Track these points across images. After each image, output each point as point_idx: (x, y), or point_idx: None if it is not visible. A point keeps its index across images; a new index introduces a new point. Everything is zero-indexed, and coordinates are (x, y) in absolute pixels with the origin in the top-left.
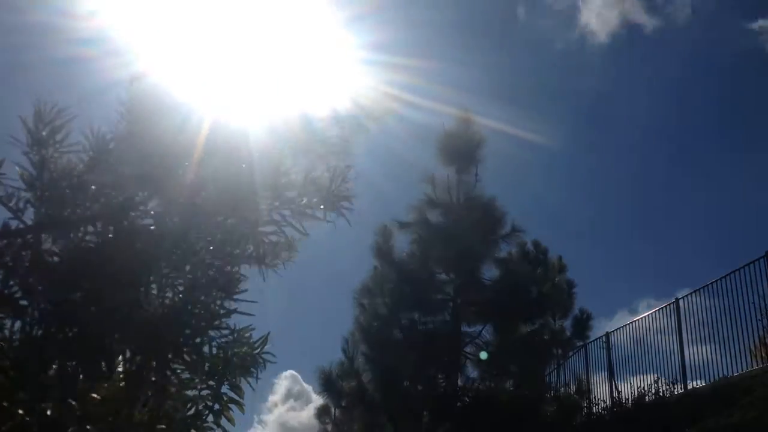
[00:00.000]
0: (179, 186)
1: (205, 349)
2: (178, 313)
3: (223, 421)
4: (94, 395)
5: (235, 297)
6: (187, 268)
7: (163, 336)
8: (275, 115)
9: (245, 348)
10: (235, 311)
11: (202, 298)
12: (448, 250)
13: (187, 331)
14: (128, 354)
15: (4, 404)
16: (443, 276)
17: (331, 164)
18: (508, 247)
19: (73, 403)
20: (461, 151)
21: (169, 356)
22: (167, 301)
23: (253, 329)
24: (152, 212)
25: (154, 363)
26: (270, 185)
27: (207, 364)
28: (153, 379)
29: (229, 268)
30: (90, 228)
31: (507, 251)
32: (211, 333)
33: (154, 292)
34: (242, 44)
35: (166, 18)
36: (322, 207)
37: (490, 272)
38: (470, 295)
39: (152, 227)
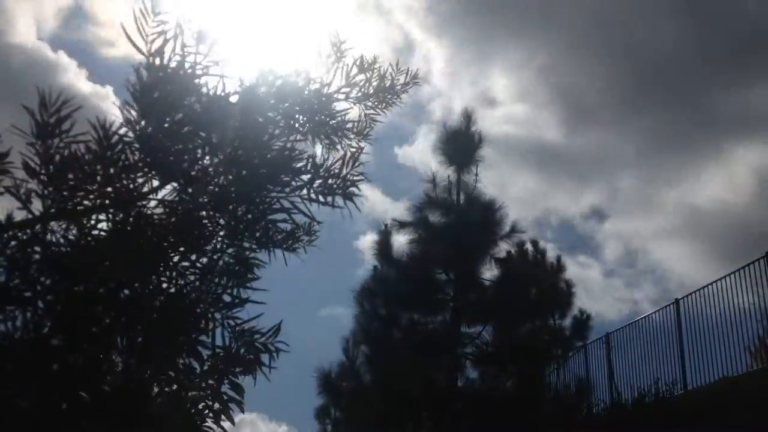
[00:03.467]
0: (191, 173)
1: (218, 340)
2: (189, 304)
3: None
4: (106, 388)
5: (248, 285)
6: (198, 257)
7: (174, 328)
8: (290, 95)
9: (256, 337)
10: (248, 300)
11: (215, 289)
12: (448, 250)
13: (201, 323)
14: (137, 346)
15: (12, 399)
16: (443, 276)
17: (345, 145)
18: (508, 247)
19: (85, 395)
20: (462, 150)
21: (180, 349)
22: (178, 291)
23: (261, 314)
24: (162, 200)
25: (163, 357)
26: (282, 170)
27: (207, 362)
28: (169, 372)
29: (246, 254)
30: (98, 217)
31: (506, 251)
32: (227, 323)
33: (165, 282)
34: (257, 22)
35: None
36: (336, 192)
37: (490, 272)
38: (470, 295)
39: (162, 216)
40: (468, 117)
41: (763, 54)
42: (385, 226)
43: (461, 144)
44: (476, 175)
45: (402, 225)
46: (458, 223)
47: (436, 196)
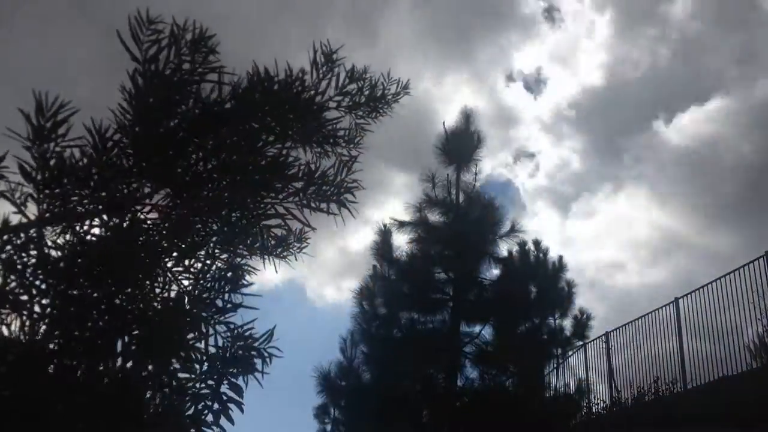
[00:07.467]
0: (185, 179)
1: (211, 344)
2: (182, 308)
3: (223, 421)
4: (102, 391)
5: (240, 291)
6: (192, 262)
7: (168, 332)
8: (284, 102)
9: (249, 342)
10: (241, 305)
11: (208, 293)
12: (447, 250)
13: (196, 327)
14: (131, 350)
15: (10, 401)
16: (443, 276)
17: (338, 153)
18: (508, 246)
19: (81, 398)
20: (461, 150)
21: (175, 353)
22: (172, 296)
23: (255, 319)
24: (156, 206)
25: (158, 359)
26: (276, 176)
27: (206, 363)
28: (162, 377)
29: (237, 260)
30: (93, 221)
31: (507, 250)
32: (218, 328)
33: (158, 287)
34: (252, 29)
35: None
36: (330, 199)
37: (489, 272)
38: (469, 294)
39: (157, 221)
40: (467, 116)
41: None
42: (385, 225)
43: (460, 143)
44: (476, 174)
45: (401, 224)
46: (458, 223)
47: (435, 196)
